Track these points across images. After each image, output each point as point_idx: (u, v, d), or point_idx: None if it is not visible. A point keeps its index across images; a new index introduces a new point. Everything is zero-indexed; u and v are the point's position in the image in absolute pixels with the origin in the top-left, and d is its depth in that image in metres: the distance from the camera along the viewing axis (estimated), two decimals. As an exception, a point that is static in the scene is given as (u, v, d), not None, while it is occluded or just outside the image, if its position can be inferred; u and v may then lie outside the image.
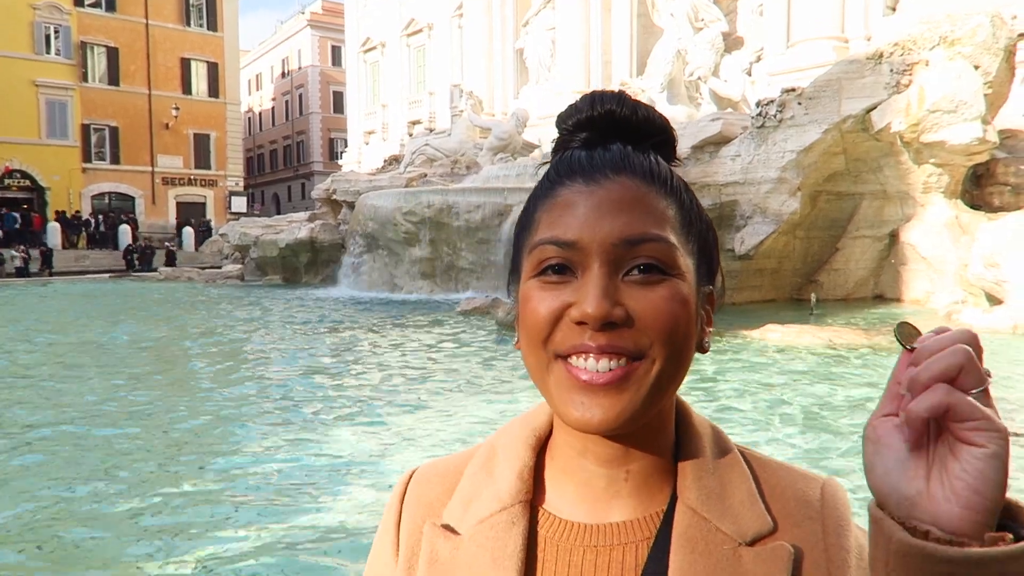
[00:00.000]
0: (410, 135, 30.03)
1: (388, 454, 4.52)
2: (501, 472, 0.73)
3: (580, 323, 0.62)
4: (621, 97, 0.69)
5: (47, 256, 27.76)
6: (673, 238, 0.65)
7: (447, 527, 0.72)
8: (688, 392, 5.93)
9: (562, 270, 0.64)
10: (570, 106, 0.72)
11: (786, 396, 5.80)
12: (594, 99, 0.70)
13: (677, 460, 0.70)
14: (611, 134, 0.69)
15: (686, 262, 0.66)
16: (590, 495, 0.70)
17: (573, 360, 0.63)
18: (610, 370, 0.62)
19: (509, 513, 0.70)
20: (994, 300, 9.91)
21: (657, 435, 0.69)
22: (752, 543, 0.65)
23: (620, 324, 0.62)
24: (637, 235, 0.63)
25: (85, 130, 36.11)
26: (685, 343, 0.65)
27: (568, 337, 0.63)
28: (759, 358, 7.43)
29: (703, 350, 0.70)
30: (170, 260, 28.83)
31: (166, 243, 32.78)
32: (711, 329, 0.71)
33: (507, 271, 0.72)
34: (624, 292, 0.63)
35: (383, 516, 0.78)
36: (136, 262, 28.66)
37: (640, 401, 0.63)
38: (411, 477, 0.78)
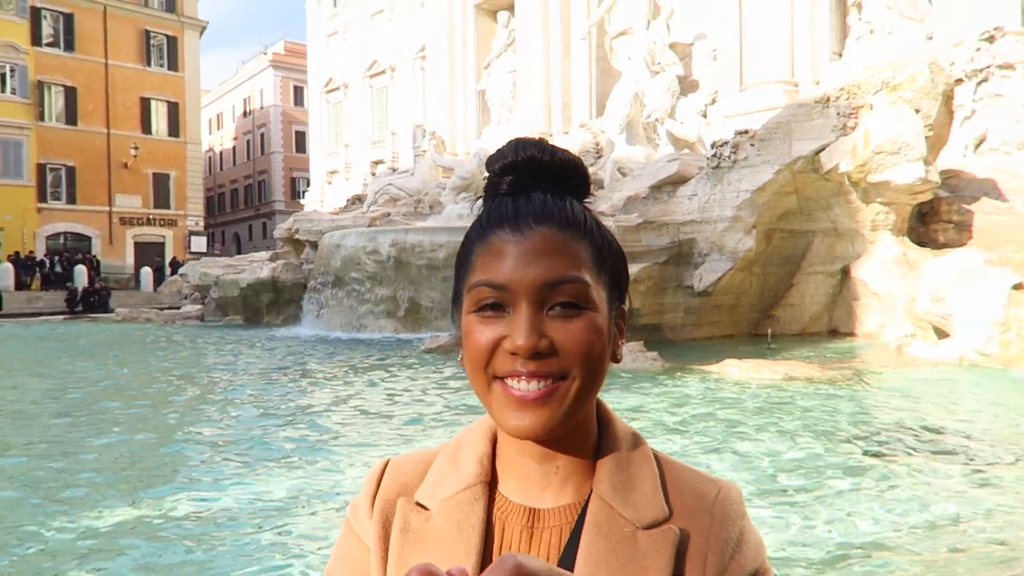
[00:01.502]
0: (373, 174, 30.16)
1: (344, 491, 4.53)
2: (465, 459, 0.87)
3: (513, 353, 0.76)
4: (541, 144, 0.82)
5: (-3, 298, 27.12)
6: (587, 276, 0.78)
7: (419, 504, 0.85)
8: (644, 426, 6.05)
9: (496, 307, 0.78)
10: (497, 151, 0.84)
11: (741, 429, 5.96)
12: (518, 146, 0.82)
13: (597, 458, 0.85)
14: (533, 177, 0.82)
15: (599, 294, 0.79)
16: (528, 485, 0.84)
17: (509, 381, 0.77)
18: (539, 389, 0.76)
19: (472, 492, 0.84)
20: (941, 333, 10.27)
21: (580, 438, 0.84)
22: (648, 527, 0.79)
23: (545, 353, 0.76)
24: (556, 278, 0.76)
25: (41, 169, 35.59)
26: (600, 363, 0.79)
27: (504, 363, 0.77)
28: (718, 393, 7.60)
29: (617, 360, 0.84)
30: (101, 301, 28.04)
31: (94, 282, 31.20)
32: (623, 340, 0.86)
33: (452, 303, 0.87)
34: (548, 325, 0.76)
35: (357, 498, 0.90)
36: (79, 304, 27.63)
37: (563, 412, 0.77)
38: (386, 465, 0.91)
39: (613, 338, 0.82)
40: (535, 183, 0.82)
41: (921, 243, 12.62)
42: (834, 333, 12.78)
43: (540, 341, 0.75)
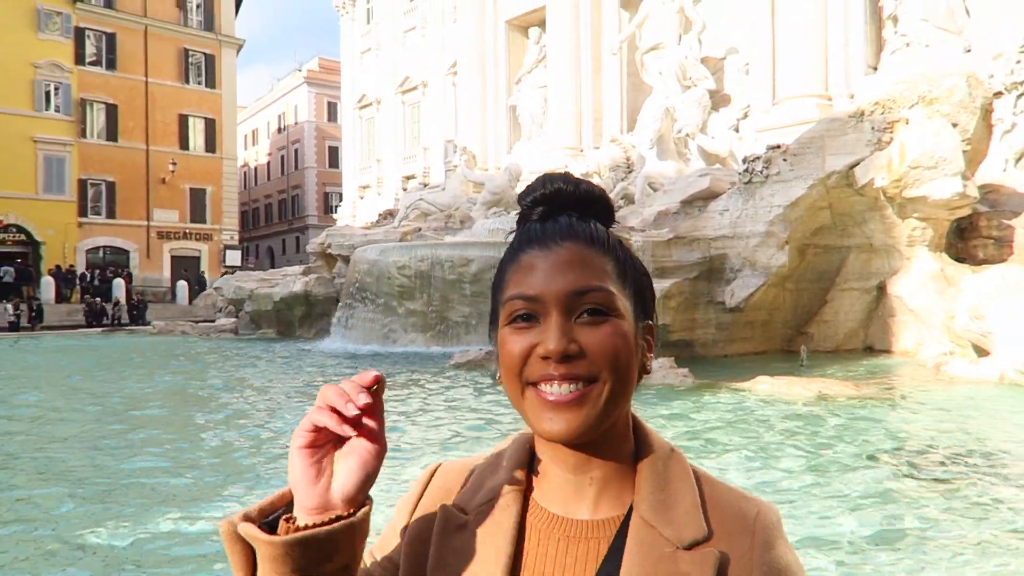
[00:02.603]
0: (404, 189, 30.43)
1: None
2: (503, 468, 0.92)
3: (545, 358, 0.81)
4: (567, 177, 0.90)
5: (38, 310, 27.78)
6: (612, 287, 0.84)
7: (458, 506, 0.91)
8: (678, 440, 5.99)
9: (528, 318, 0.83)
10: (528, 186, 0.92)
11: (770, 448, 5.87)
12: (546, 180, 0.90)
13: (636, 471, 0.88)
14: (560, 207, 0.89)
15: (624, 304, 0.85)
16: (563, 495, 0.88)
17: (542, 386, 0.82)
18: (571, 392, 0.81)
19: (506, 499, 0.89)
20: (981, 351, 10.04)
21: (615, 447, 0.88)
22: (689, 548, 0.82)
23: (575, 356, 0.81)
24: (583, 287, 0.82)
25: (82, 185, 36.49)
26: (628, 367, 0.84)
27: (536, 369, 0.82)
28: (748, 410, 7.50)
29: (646, 371, 0.89)
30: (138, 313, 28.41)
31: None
32: (652, 354, 0.90)
33: (489, 324, 0.91)
34: (577, 331, 0.82)
35: (406, 494, 0.98)
36: (97, 318, 27.96)
37: (596, 415, 0.82)
38: (436, 469, 0.99)
39: (641, 350, 0.87)
40: (562, 210, 0.89)
41: (960, 259, 12.38)
42: (870, 350, 12.56)
43: (570, 345, 0.81)
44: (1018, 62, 14.99)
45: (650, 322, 0.90)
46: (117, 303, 29.43)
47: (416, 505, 0.94)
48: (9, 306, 26.63)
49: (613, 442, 0.87)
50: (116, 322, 27.54)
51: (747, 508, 0.86)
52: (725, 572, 0.80)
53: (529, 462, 0.91)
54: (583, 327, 0.81)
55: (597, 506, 0.86)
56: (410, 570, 0.89)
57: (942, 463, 5.49)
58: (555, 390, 0.80)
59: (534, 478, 0.90)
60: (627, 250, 0.90)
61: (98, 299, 29.12)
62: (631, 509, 0.85)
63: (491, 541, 0.85)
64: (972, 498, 4.60)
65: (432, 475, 0.98)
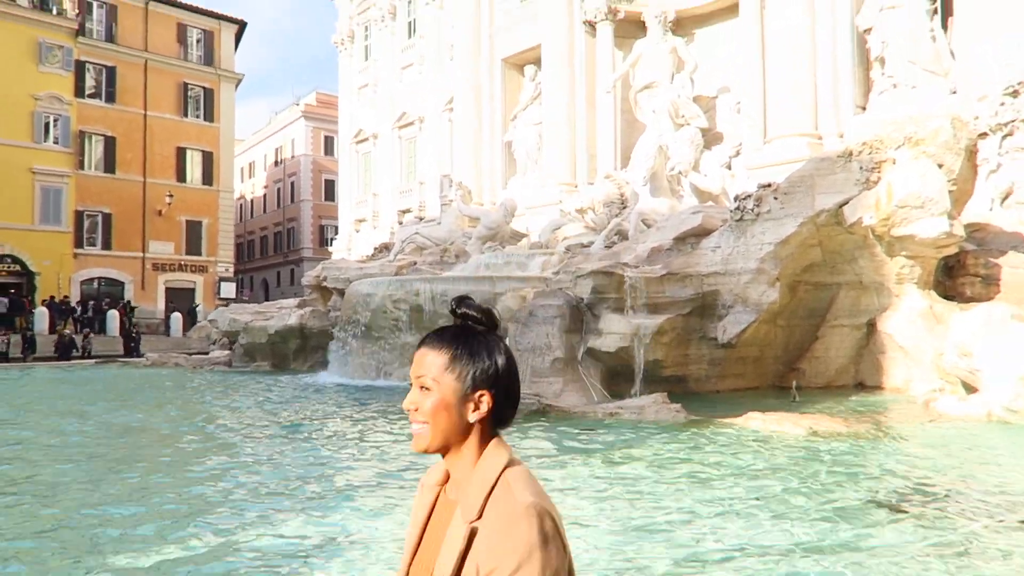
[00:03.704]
0: (400, 223, 30.65)
1: (370, 539, 4.59)
2: (440, 467, 1.58)
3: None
4: (467, 300, 1.56)
5: (31, 341, 27.70)
6: (439, 374, 1.50)
7: (423, 484, 1.62)
8: (662, 479, 6.06)
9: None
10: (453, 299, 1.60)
11: (761, 484, 5.94)
12: (457, 301, 1.56)
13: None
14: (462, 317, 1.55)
15: (441, 386, 1.50)
16: (453, 482, 1.51)
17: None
18: (415, 426, 1.50)
19: (431, 488, 1.58)
20: (970, 388, 10.16)
21: (461, 460, 1.49)
22: (469, 521, 1.38)
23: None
24: (417, 374, 1.53)
25: (78, 216, 36.62)
26: (443, 423, 1.48)
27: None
28: (739, 446, 7.58)
29: (467, 423, 1.48)
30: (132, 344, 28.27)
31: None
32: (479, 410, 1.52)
33: None
34: (418, 395, 1.51)
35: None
36: (66, 350, 27.63)
37: (426, 444, 1.49)
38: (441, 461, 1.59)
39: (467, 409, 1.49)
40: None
41: (948, 296, 12.55)
42: (861, 386, 12.66)
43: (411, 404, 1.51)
44: (1002, 104, 15.36)
45: (470, 393, 1.47)
46: (87, 335, 29.31)
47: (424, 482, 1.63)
48: None
49: (460, 458, 1.49)
50: (86, 354, 27.44)
51: (519, 506, 1.34)
52: (471, 541, 1.35)
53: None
54: (420, 393, 1.50)
55: (458, 491, 1.47)
56: None
57: (931, 500, 5.57)
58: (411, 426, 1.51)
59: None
60: (475, 350, 1.50)
61: (68, 331, 29.01)
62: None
63: (418, 509, 1.58)
64: (953, 534, 4.69)
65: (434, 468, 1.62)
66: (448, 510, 1.48)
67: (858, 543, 4.47)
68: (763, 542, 4.51)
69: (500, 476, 1.41)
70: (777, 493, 5.64)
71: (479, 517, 1.36)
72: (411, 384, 1.50)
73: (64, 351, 27.12)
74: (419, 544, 1.53)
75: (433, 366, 1.48)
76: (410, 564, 1.52)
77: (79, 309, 33.87)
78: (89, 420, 10.45)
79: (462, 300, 1.54)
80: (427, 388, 1.47)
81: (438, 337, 1.51)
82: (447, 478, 1.54)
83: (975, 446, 7.88)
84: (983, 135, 14.08)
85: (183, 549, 4.48)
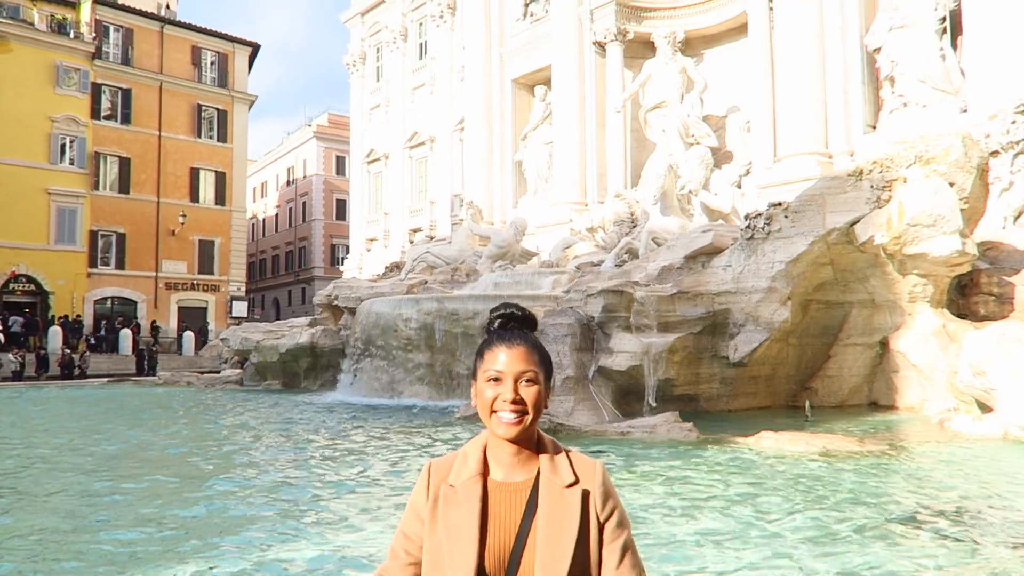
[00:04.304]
0: (411, 242, 30.76)
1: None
2: (470, 460, 1.73)
3: (504, 400, 1.68)
4: (514, 304, 1.81)
5: (43, 360, 27.93)
6: (537, 368, 1.71)
7: (451, 485, 1.70)
8: (674, 499, 6.02)
9: (495, 380, 1.70)
10: (493, 308, 1.83)
11: (772, 505, 5.89)
12: (501, 307, 1.82)
13: (539, 453, 1.73)
14: (510, 320, 1.80)
15: (541, 377, 1.72)
16: (503, 468, 1.71)
17: (499, 412, 1.69)
18: (515, 416, 1.68)
19: (474, 479, 1.69)
20: (984, 407, 10.07)
21: (529, 442, 1.72)
22: (569, 486, 1.67)
23: (519, 402, 1.68)
24: (523, 370, 1.70)
25: (93, 236, 36.99)
26: (541, 408, 1.70)
27: (498, 404, 1.69)
28: (751, 466, 7.53)
29: (547, 406, 1.74)
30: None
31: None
32: (552, 397, 1.82)
33: (470, 377, 1.80)
34: (519, 389, 1.68)
35: (417, 484, 1.76)
36: (69, 368, 27.99)
37: (524, 429, 1.68)
38: (430, 466, 1.76)
39: (545, 398, 1.72)
40: (512, 322, 1.81)
41: (962, 315, 12.46)
42: (874, 406, 12.56)
43: (516, 395, 1.69)
44: (1014, 122, 15.29)
45: (551, 383, 1.75)
46: (83, 354, 29.61)
47: (428, 489, 1.72)
48: (11, 355, 26.79)
49: (530, 440, 1.72)
50: (82, 373, 27.74)
51: (590, 461, 1.73)
52: (587, 500, 1.66)
53: (484, 455, 1.73)
54: (522, 386, 1.69)
55: (521, 472, 1.70)
56: (433, 527, 1.67)
57: (951, 521, 5.50)
58: (507, 417, 1.67)
59: (487, 463, 1.72)
60: (543, 349, 1.76)
61: (67, 350, 29.39)
62: (538, 472, 1.69)
63: (469, 501, 1.66)
64: (976, 557, 4.63)
65: (430, 471, 1.75)
66: (504, 492, 1.66)
67: (877, 565, 4.42)
68: (778, 563, 4.47)
69: (560, 447, 1.74)
70: (791, 513, 5.59)
71: (576, 481, 1.66)
72: (494, 378, 1.69)
73: (66, 370, 27.45)
74: (483, 529, 1.62)
75: (531, 361, 1.69)
76: (480, 550, 1.60)
77: (83, 328, 34.07)
78: (105, 437, 10.49)
79: (506, 304, 1.80)
80: (532, 381, 1.67)
81: (520, 337, 1.72)
82: (485, 466, 1.70)
83: (993, 466, 7.79)
84: (995, 153, 14.03)
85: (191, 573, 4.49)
